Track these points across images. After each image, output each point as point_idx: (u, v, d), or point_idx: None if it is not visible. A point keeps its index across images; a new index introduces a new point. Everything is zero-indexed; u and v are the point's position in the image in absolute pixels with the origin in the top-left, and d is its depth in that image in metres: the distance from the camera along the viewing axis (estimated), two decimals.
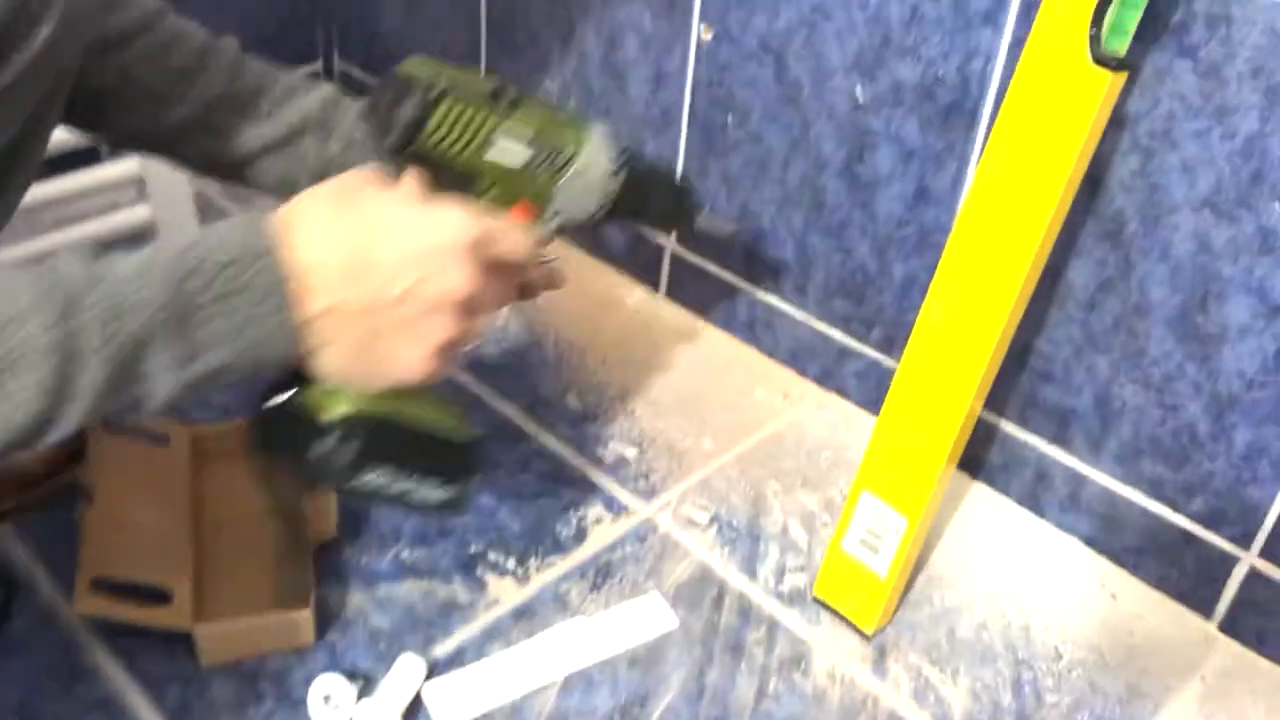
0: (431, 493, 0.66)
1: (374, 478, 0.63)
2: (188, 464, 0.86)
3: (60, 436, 0.50)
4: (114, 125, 0.75)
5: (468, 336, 0.59)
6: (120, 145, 0.83)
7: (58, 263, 0.50)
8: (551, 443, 0.96)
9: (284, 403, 0.60)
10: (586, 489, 0.91)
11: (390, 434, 0.62)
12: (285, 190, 0.70)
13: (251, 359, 0.53)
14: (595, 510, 0.89)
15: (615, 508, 0.90)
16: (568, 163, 0.70)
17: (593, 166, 0.71)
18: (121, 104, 0.74)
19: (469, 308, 0.57)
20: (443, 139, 0.64)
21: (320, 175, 0.69)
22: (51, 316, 0.48)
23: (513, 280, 0.64)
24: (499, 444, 0.94)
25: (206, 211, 1.20)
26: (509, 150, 0.66)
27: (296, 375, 0.59)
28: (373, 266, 0.54)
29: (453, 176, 0.64)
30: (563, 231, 0.73)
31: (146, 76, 0.73)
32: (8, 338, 0.47)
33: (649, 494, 0.91)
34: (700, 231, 0.86)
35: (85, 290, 0.49)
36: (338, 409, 0.60)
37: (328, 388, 0.59)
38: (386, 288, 0.54)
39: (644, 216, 0.81)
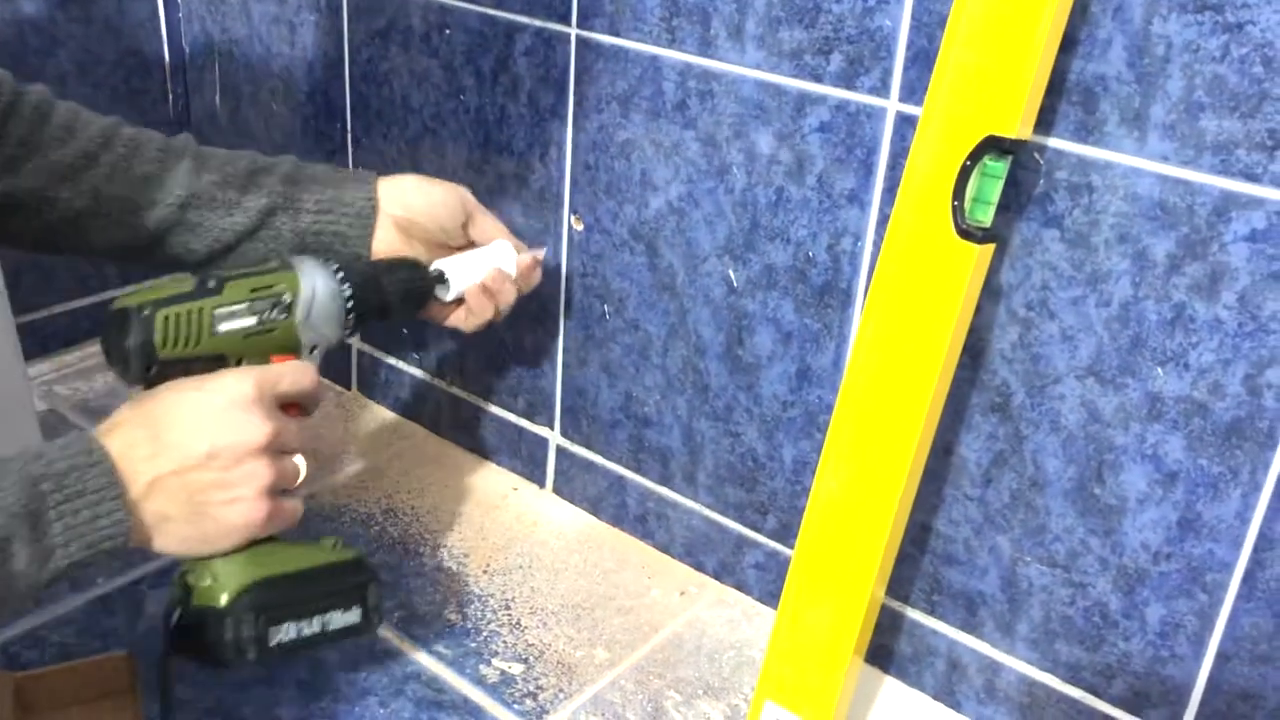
0: (342, 619, 0.72)
1: (284, 635, 0.69)
2: (10, 717, 0.76)
3: None
4: (96, 243, 0.77)
5: (287, 475, 0.66)
6: (105, 259, 0.84)
7: None
8: (429, 663, 0.87)
9: (180, 616, 0.67)
10: (468, 713, 0.83)
11: (278, 590, 0.68)
12: None
13: (101, 550, 0.59)
14: None
15: None
16: (293, 303, 0.73)
17: (318, 292, 0.75)
18: (99, 221, 0.76)
19: (274, 449, 0.64)
20: (174, 343, 0.68)
21: (299, 249, 0.80)
22: None
23: (310, 411, 0.71)
24: (369, 668, 0.86)
25: (57, 428, 1.12)
26: (235, 321, 0.71)
27: (183, 590, 0.67)
28: (172, 441, 0.61)
29: (203, 365, 0.69)
30: (328, 352, 0.78)
31: (117, 190, 0.76)
32: None
33: (538, 715, 0.83)
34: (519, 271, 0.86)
35: None
36: (222, 595, 0.66)
37: (205, 583, 0.67)
38: (190, 453, 0.61)
39: (394, 308, 0.81)
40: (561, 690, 0.86)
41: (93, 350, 1.27)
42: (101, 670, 0.80)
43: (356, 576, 0.73)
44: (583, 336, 1.01)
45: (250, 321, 0.71)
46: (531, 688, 0.86)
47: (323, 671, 0.85)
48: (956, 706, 0.86)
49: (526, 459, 1.11)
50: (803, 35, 0.78)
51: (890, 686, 0.89)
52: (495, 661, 0.88)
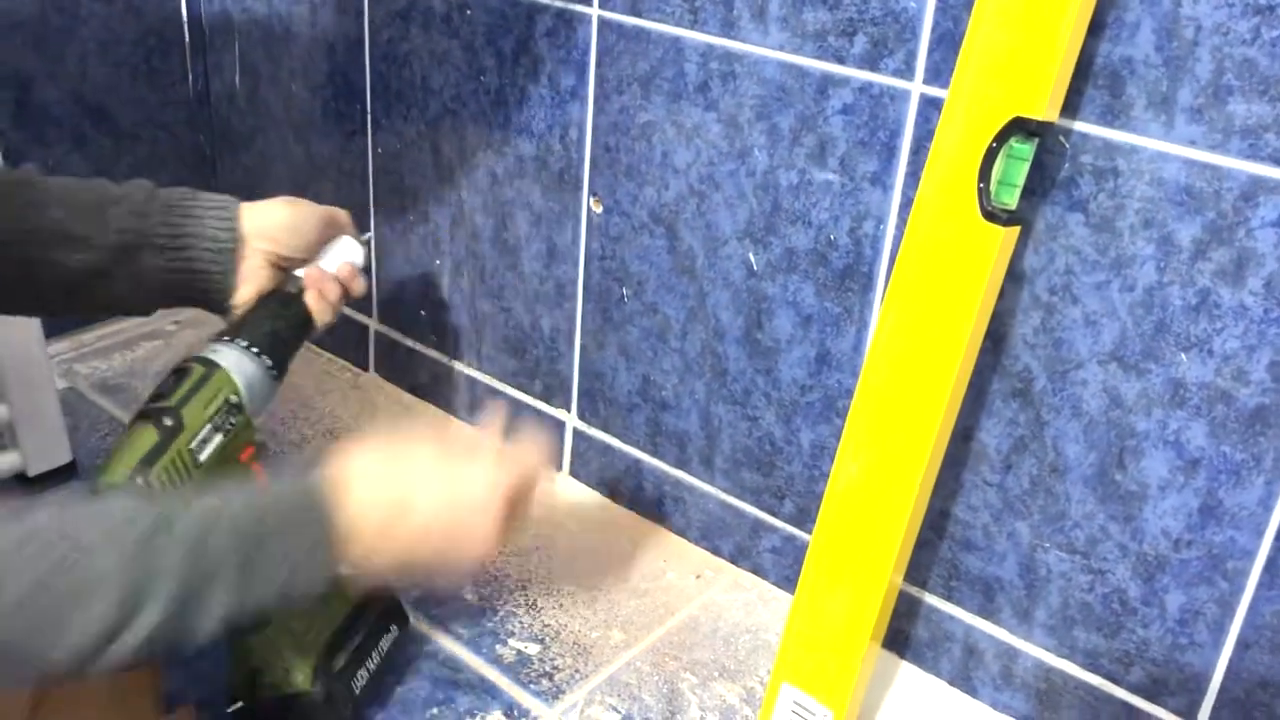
0: (390, 639, 0.83)
1: (361, 680, 0.78)
2: (29, 694, 0.76)
3: (122, 655, 0.54)
4: None
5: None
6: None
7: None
8: (446, 642, 0.88)
9: (247, 708, 0.75)
10: (485, 693, 0.83)
11: (340, 649, 0.77)
12: (125, 310, 0.78)
13: (283, 597, 0.59)
14: (494, 717, 0.81)
15: (517, 714, 0.81)
16: (239, 403, 0.74)
17: (248, 374, 0.75)
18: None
19: (498, 544, 0.66)
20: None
21: (159, 289, 0.75)
22: (146, 530, 0.55)
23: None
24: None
25: (76, 406, 1.12)
26: (209, 445, 0.72)
27: (247, 680, 0.75)
28: (408, 526, 0.62)
29: None
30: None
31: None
32: (107, 550, 0.53)
33: (553, 695, 0.83)
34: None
35: (179, 514, 0.56)
36: (302, 679, 0.74)
37: (278, 676, 0.74)
38: (419, 543, 0.63)
39: (295, 346, 0.80)
40: (577, 671, 0.86)
41: (111, 330, 1.27)
42: None
43: (381, 602, 0.82)
44: (601, 319, 1.00)
45: (220, 438, 0.72)
46: (548, 668, 0.86)
47: None
48: (973, 692, 0.86)
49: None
50: (826, 16, 0.78)
51: (907, 671, 0.89)
52: (512, 642, 0.88)
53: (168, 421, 0.70)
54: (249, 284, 0.77)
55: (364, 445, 0.64)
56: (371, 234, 0.93)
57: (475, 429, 0.73)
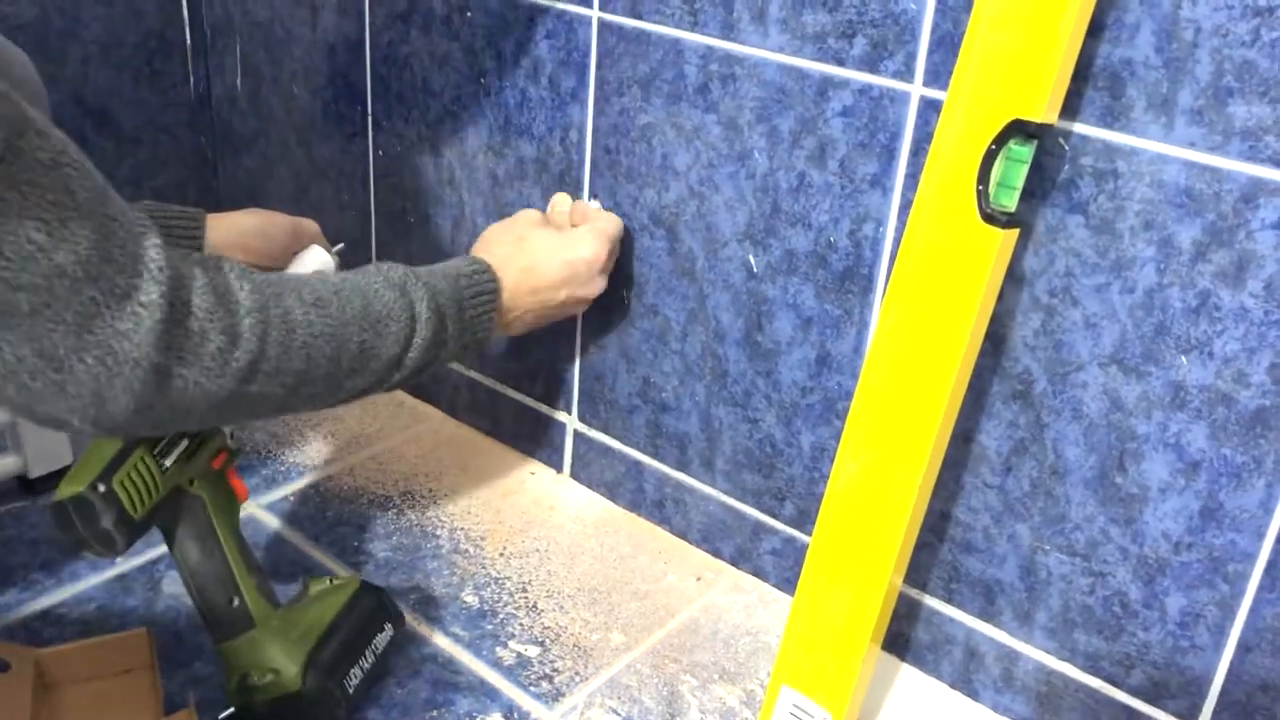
0: (384, 639, 0.81)
1: (355, 679, 0.78)
2: (30, 693, 0.77)
3: (397, 380, 0.75)
4: None
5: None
6: None
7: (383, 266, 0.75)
8: (445, 644, 0.88)
9: (247, 712, 0.75)
10: (484, 695, 0.83)
11: (331, 647, 0.76)
12: None
13: (482, 338, 0.81)
14: (494, 719, 0.81)
15: (516, 716, 0.81)
16: None
17: None
18: None
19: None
20: (141, 501, 0.70)
21: None
22: (400, 279, 0.74)
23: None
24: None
25: None
26: (173, 451, 0.73)
27: (241, 691, 0.75)
28: (541, 286, 0.85)
29: (168, 506, 0.73)
30: None
31: None
32: (382, 302, 0.71)
33: (553, 697, 0.83)
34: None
35: (411, 278, 0.75)
36: (295, 680, 0.74)
37: (269, 679, 0.74)
38: (550, 299, 0.86)
39: None
40: (577, 673, 0.86)
41: None
42: (121, 646, 0.80)
43: (371, 599, 0.81)
44: (601, 321, 1.00)
45: (184, 444, 0.73)
46: (548, 670, 0.86)
47: None
48: (974, 695, 0.86)
49: (544, 443, 1.11)
50: (826, 18, 0.78)
51: (907, 674, 0.89)
52: (512, 644, 0.88)
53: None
54: None
55: (487, 232, 0.88)
56: (343, 245, 0.94)
57: (564, 207, 0.93)
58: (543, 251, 0.85)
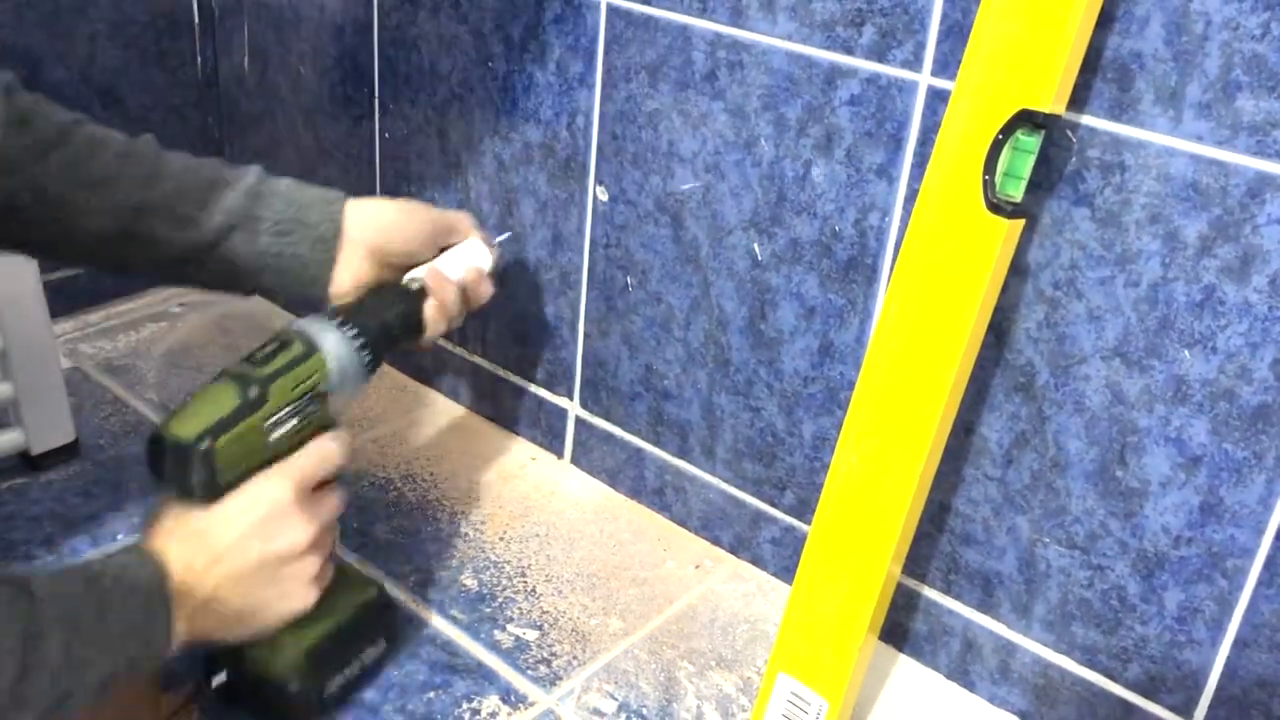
0: (374, 654, 0.80)
1: (334, 687, 0.77)
2: None
3: None
4: (35, 240, 0.74)
5: (327, 552, 0.71)
6: (37, 257, 0.82)
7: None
8: (444, 627, 0.88)
9: (230, 675, 0.74)
10: (482, 678, 0.83)
11: (326, 651, 0.75)
12: (224, 287, 0.79)
13: (143, 657, 0.62)
14: (491, 702, 0.81)
15: (514, 699, 0.82)
16: (326, 391, 0.73)
17: (342, 364, 0.74)
18: (41, 220, 0.72)
19: (317, 540, 0.70)
20: (235, 468, 0.68)
21: (256, 270, 0.77)
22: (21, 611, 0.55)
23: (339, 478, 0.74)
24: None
25: (81, 386, 1.13)
26: (282, 428, 0.70)
27: (224, 653, 0.73)
28: (222, 553, 0.65)
29: (255, 472, 0.70)
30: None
31: (64, 189, 0.72)
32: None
33: (551, 681, 0.84)
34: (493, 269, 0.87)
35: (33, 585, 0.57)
36: (281, 666, 0.73)
37: (262, 652, 0.72)
38: (243, 563, 0.66)
39: (399, 343, 0.80)
40: (575, 658, 0.86)
41: (116, 310, 1.28)
42: None
43: (381, 615, 0.81)
44: (604, 308, 1.00)
45: (294, 422, 0.71)
46: (545, 654, 0.86)
47: None
48: (970, 686, 0.86)
49: (545, 429, 1.11)
50: (835, 6, 0.77)
51: (904, 665, 0.89)
52: (510, 627, 0.88)
53: (253, 392, 0.69)
54: (347, 273, 0.78)
55: (160, 519, 0.67)
56: (509, 234, 0.93)
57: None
58: (214, 511, 0.67)
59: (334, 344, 0.73)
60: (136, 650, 0.61)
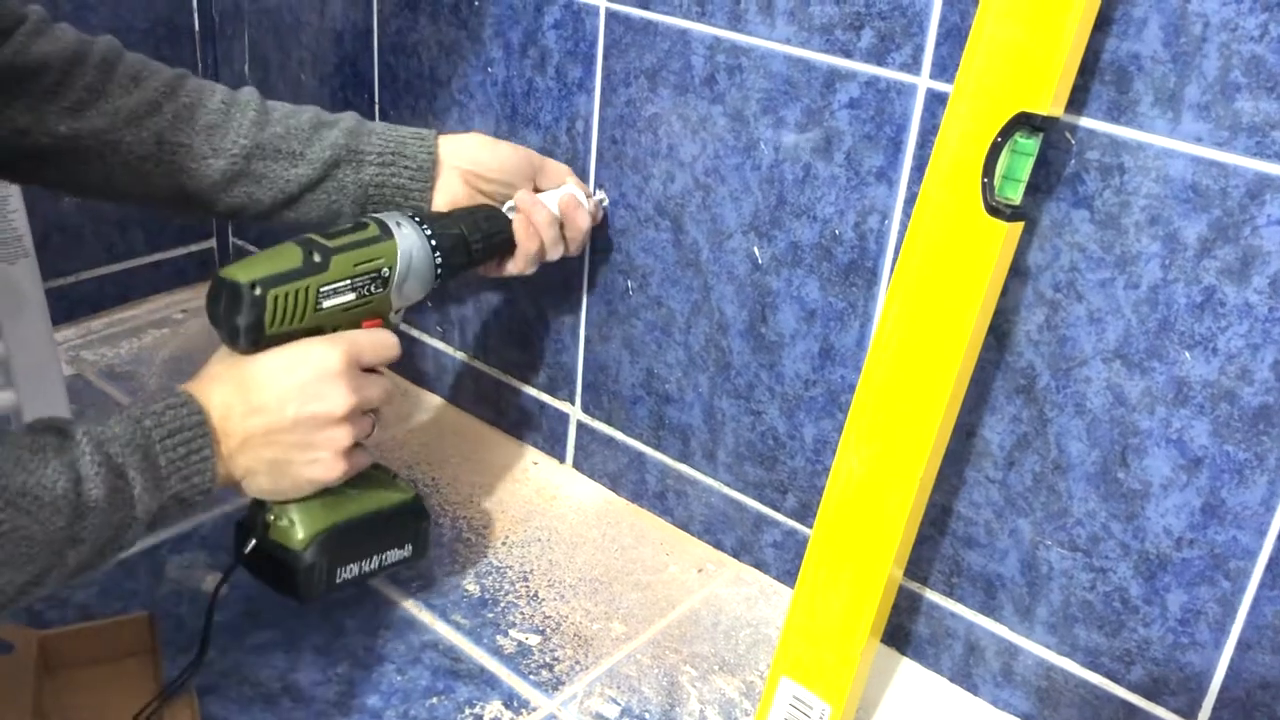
0: (396, 555, 0.81)
1: (348, 573, 0.78)
2: (33, 673, 0.77)
3: (75, 563, 0.60)
4: (159, 190, 0.80)
5: (363, 434, 0.73)
6: (168, 208, 0.85)
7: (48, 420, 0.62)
8: (446, 632, 0.88)
9: (254, 547, 0.75)
10: (485, 683, 0.83)
11: (347, 536, 0.76)
12: (331, 219, 0.83)
13: (197, 488, 0.66)
14: (494, 707, 0.81)
15: (516, 704, 0.82)
16: (390, 276, 0.76)
17: (413, 260, 0.78)
18: (162, 168, 0.79)
19: (355, 414, 0.71)
20: (282, 321, 0.71)
21: (361, 201, 0.84)
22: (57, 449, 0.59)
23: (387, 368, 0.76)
24: (387, 637, 0.86)
25: (83, 393, 1.13)
26: (337, 298, 0.74)
27: (256, 524, 0.75)
28: (263, 404, 0.68)
29: (302, 335, 0.72)
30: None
31: (180, 137, 0.79)
32: (26, 471, 0.57)
33: (553, 686, 0.84)
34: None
35: (71, 430, 0.61)
36: (299, 539, 0.74)
37: (283, 523, 0.74)
38: (279, 418, 0.68)
39: (478, 259, 0.85)
40: (578, 662, 0.86)
41: (118, 316, 1.28)
42: (123, 630, 0.80)
43: (413, 519, 0.81)
44: (605, 312, 1.00)
45: (350, 297, 0.74)
46: (548, 659, 0.86)
47: (340, 638, 0.86)
48: (973, 689, 0.86)
49: (547, 434, 1.11)
50: (834, 10, 0.77)
51: (907, 668, 0.89)
52: (512, 632, 0.88)
53: (316, 257, 0.73)
54: (444, 198, 0.86)
55: (208, 364, 0.72)
56: (604, 197, 0.95)
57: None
58: (262, 363, 0.70)
59: (407, 236, 0.77)
60: (180, 486, 0.65)
